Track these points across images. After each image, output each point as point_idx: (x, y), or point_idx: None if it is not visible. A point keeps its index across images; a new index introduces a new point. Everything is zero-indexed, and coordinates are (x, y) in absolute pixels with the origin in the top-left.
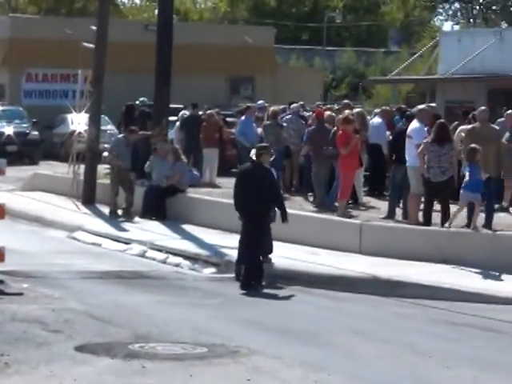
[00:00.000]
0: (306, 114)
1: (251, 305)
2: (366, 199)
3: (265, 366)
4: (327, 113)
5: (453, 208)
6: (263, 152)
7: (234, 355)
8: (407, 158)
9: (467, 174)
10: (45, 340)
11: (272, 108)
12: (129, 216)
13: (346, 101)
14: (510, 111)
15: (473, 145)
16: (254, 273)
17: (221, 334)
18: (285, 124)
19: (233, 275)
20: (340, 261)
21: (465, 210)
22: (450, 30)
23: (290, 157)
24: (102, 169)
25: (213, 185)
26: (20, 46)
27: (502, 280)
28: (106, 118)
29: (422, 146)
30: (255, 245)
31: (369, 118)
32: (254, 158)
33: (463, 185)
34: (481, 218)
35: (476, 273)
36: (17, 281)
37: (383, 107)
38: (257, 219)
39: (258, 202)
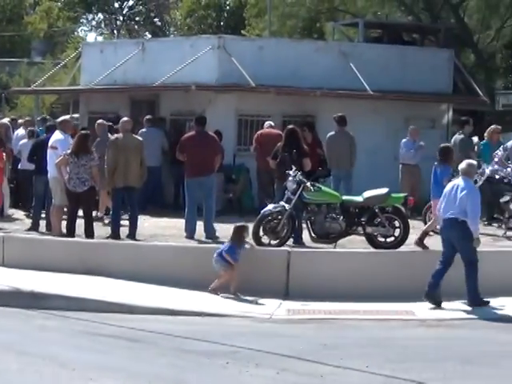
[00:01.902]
0: None
1: None
2: (10, 211)
3: None
4: None
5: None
6: None
7: None
8: (49, 169)
9: None
10: None
11: None
12: None
13: None
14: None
15: None
16: None
17: None
18: None
19: None
20: None
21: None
22: (92, 40)
23: None
24: None
25: None
26: None
27: (144, 290)
28: None
29: (60, 158)
30: None
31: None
32: None
33: None
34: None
35: (120, 283)
36: None
37: (27, 118)
38: None
39: None
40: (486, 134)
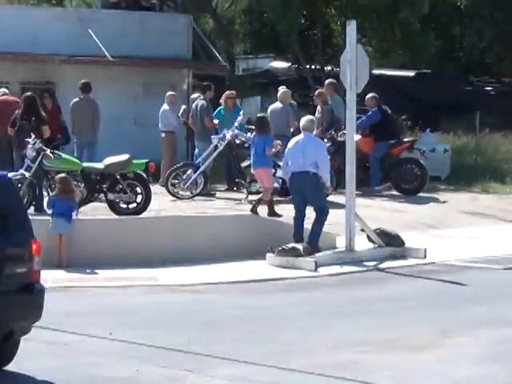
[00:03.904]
0: None
1: None
2: None
3: None
4: None
5: None
6: None
7: None
8: None
9: None
10: None
11: None
12: None
13: None
14: None
15: None
16: None
17: None
18: None
19: None
20: None
21: None
22: None
23: None
24: None
25: None
26: None
27: None
28: None
29: None
30: None
31: None
32: None
33: None
34: None
35: None
36: None
37: None
38: None
39: None
40: (221, 100)
